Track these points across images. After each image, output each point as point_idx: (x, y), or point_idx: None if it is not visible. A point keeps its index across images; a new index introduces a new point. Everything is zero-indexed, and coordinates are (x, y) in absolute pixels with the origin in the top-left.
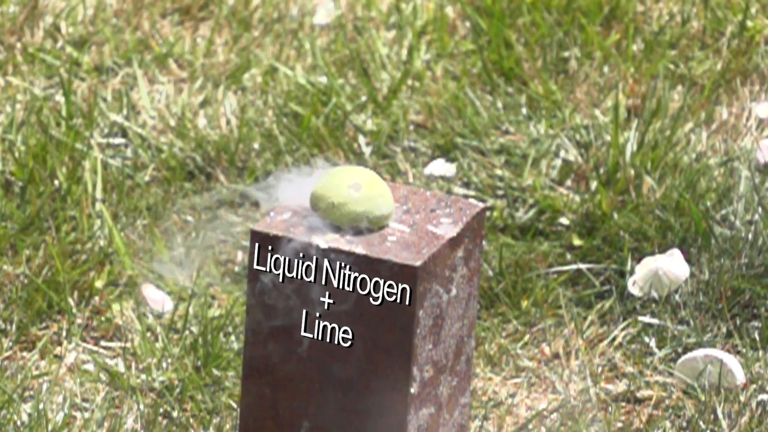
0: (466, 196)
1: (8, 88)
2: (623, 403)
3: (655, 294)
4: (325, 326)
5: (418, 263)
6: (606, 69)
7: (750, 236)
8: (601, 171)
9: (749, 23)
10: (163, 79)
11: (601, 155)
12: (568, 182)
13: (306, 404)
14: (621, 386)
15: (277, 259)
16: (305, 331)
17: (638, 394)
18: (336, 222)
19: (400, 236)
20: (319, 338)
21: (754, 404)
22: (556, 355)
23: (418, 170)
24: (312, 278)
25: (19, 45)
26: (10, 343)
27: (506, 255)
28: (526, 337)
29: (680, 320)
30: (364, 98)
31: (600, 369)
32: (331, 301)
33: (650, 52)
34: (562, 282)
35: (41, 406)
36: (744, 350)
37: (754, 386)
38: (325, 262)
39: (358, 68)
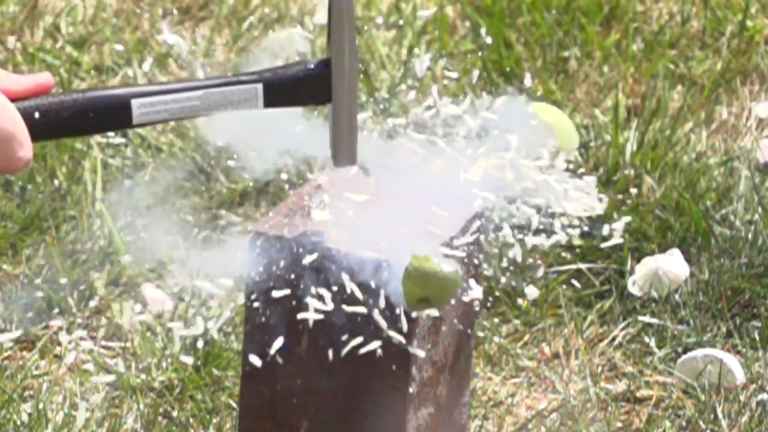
0: None
1: None
2: (623, 403)
3: (655, 294)
4: (325, 325)
5: None
6: (606, 69)
7: (750, 236)
8: (601, 171)
9: (749, 23)
10: (163, 79)
11: (601, 155)
12: None
13: (306, 404)
14: (621, 386)
15: (276, 258)
16: (305, 331)
17: (638, 394)
18: (447, 298)
19: None
20: (319, 338)
21: (754, 404)
22: (556, 355)
23: None
24: (311, 278)
25: (19, 45)
26: (10, 343)
27: (506, 255)
28: (526, 337)
29: (680, 320)
30: (364, 98)
31: (600, 369)
32: (330, 300)
33: (650, 52)
34: (562, 282)
35: (41, 406)
36: (744, 350)
37: (754, 386)
38: (325, 262)
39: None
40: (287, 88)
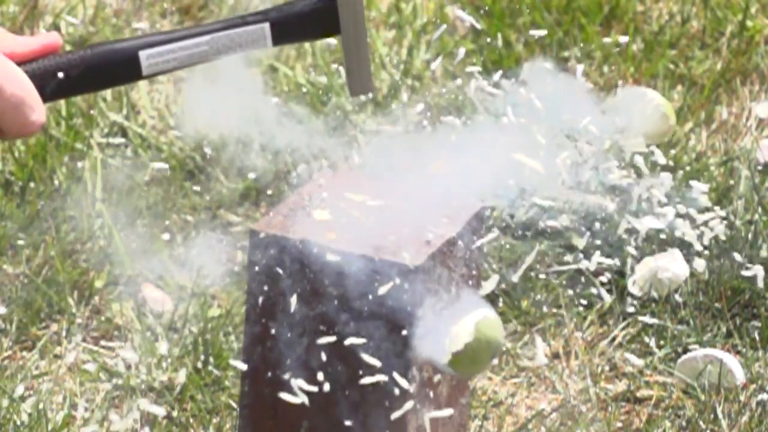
0: None
1: None
2: (623, 403)
3: (655, 294)
4: (323, 325)
5: (417, 263)
6: (606, 69)
7: (750, 236)
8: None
9: (749, 23)
10: (163, 79)
11: None
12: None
13: (306, 404)
14: (621, 386)
15: (276, 258)
16: (303, 331)
17: (638, 394)
18: (501, 345)
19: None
20: (318, 338)
21: (754, 404)
22: (556, 355)
23: None
24: (311, 277)
25: None
26: (10, 343)
27: (506, 255)
28: (526, 337)
29: (680, 320)
30: (363, 98)
31: (600, 369)
32: (330, 299)
33: (650, 52)
34: (562, 282)
35: (41, 406)
36: (744, 350)
37: (754, 386)
38: (324, 261)
39: None
40: (294, 25)
